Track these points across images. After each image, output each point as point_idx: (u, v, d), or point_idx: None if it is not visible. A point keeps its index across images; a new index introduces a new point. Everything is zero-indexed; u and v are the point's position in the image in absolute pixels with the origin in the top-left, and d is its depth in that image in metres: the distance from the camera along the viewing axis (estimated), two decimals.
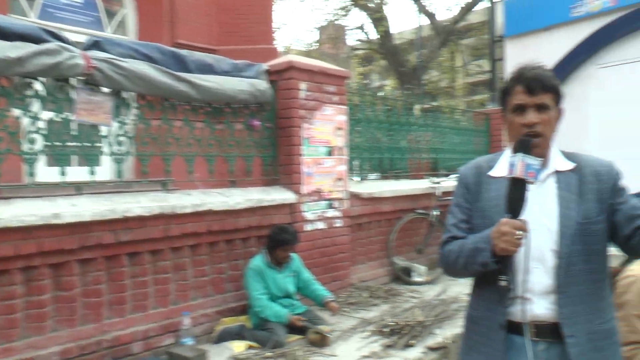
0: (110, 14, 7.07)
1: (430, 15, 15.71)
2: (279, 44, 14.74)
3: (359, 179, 6.67)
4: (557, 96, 1.89)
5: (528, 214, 1.80)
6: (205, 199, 4.42)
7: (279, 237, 4.47)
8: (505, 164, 1.88)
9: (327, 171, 5.53)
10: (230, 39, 7.91)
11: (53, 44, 3.54)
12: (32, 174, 3.61)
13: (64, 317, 3.67)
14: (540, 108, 1.84)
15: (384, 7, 14.86)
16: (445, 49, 17.41)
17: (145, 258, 4.11)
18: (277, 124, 5.23)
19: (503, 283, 1.76)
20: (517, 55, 10.02)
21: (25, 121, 3.59)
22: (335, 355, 4.08)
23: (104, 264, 3.88)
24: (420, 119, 7.65)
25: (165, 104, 4.39)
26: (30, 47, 3.43)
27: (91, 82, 3.83)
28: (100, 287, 3.86)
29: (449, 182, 7.15)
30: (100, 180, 4.08)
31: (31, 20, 6.07)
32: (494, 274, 1.80)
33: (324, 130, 5.51)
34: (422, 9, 14.43)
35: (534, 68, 1.89)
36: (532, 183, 1.75)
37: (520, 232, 1.70)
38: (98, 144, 4.02)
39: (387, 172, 7.16)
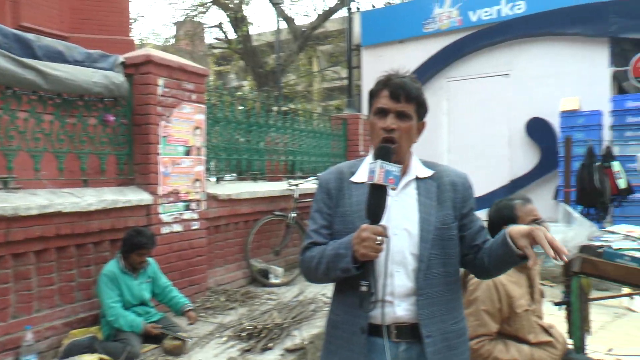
0: None
1: (289, 20, 15.92)
2: (135, 36, 14.00)
3: (215, 179, 6.54)
4: (421, 108, 1.95)
5: (389, 219, 1.85)
6: (53, 199, 4.02)
7: (134, 241, 4.20)
8: (366, 169, 1.89)
9: (185, 171, 5.35)
10: (84, 27, 7.33)
11: None
12: None
13: None
14: (401, 115, 1.89)
15: (244, 8, 14.82)
16: (303, 54, 17.77)
17: None
18: (133, 120, 4.94)
19: (364, 288, 1.78)
20: (373, 64, 10.55)
21: None
22: None
23: None
24: (279, 121, 7.69)
25: (7, 92, 3.92)
26: None
27: None
28: None
29: (307, 185, 7.29)
30: None
31: None
32: (355, 279, 1.82)
33: (182, 129, 5.33)
34: (281, 13, 14.58)
35: (403, 76, 1.93)
36: (393, 189, 1.80)
37: (381, 238, 1.72)
38: None
39: (244, 173, 7.11)
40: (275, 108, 8.22)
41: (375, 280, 1.84)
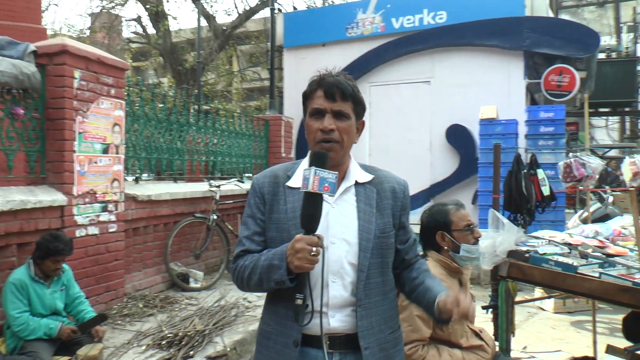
0: None
1: (210, 18, 15.58)
2: (47, 26, 13.12)
3: (133, 179, 6.24)
4: (358, 106, 1.90)
5: (327, 227, 1.80)
6: None
7: (50, 246, 3.82)
8: (302, 174, 1.80)
9: (103, 171, 5.06)
10: None
11: None
12: None
13: None
14: (339, 115, 1.83)
15: (164, 3, 14.35)
16: (223, 53, 17.46)
17: None
18: (46, 114, 4.60)
19: (299, 302, 1.70)
20: (295, 66, 10.52)
21: None
22: None
23: None
24: (201, 121, 7.47)
25: None
26: None
27: None
28: None
29: (229, 186, 7.12)
30: None
31: None
32: (288, 290, 1.74)
33: (100, 125, 5.04)
34: (202, 10, 14.23)
35: (337, 75, 1.87)
36: (331, 196, 1.73)
37: (316, 249, 1.65)
38: None
39: (163, 173, 6.84)
40: (195, 107, 7.98)
41: (311, 291, 1.76)
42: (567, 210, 8.31)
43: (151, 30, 15.37)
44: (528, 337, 5.42)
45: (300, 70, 10.42)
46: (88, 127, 4.86)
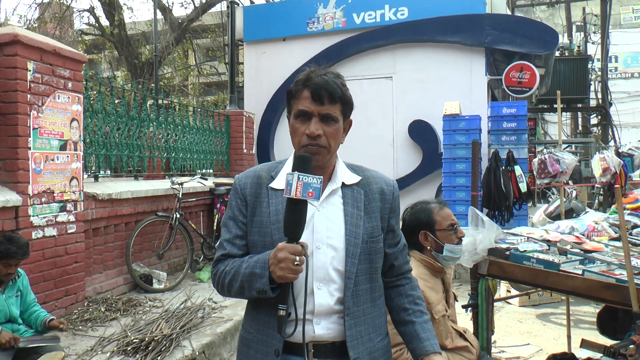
0: None
1: (166, 10, 15.19)
2: None
3: (91, 177, 5.98)
4: (346, 107, 1.79)
5: (313, 231, 1.71)
6: None
7: (1, 249, 3.60)
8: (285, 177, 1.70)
9: (60, 168, 4.80)
10: None
11: None
12: None
13: None
14: (326, 119, 1.72)
15: None
16: (180, 47, 17.06)
17: None
18: None
19: (281, 312, 1.60)
20: (255, 61, 10.38)
21: None
22: None
23: None
24: (162, 116, 7.23)
25: None
26: None
27: None
28: None
29: (192, 184, 6.93)
30: None
31: None
32: (272, 298, 1.65)
33: (57, 120, 4.79)
34: (158, 2, 13.83)
35: (324, 74, 1.75)
36: (317, 200, 1.62)
37: (300, 258, 1.56)
38: None
39: (121, 170, 6.58)
40: (150, 102, 7.71)
41: (294, 299, 1.66)
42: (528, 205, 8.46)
43: (105, 22, 14.86)
44: (496, 331, 5.44)
45: (260, 64, 10.27)
46: (44, 122, 4.60)
